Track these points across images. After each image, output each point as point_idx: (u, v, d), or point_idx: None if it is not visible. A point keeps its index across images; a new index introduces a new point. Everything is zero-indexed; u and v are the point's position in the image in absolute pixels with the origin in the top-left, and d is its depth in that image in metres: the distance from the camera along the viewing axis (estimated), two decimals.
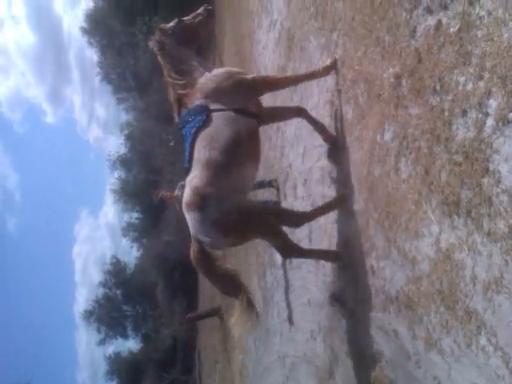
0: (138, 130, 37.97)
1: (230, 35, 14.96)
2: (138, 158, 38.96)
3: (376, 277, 2.85)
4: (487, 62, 1.83)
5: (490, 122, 1.81)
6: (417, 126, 2.35)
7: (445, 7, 2.13)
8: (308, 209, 3.88)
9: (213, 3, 14.89)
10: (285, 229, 3.31)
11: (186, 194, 3.11)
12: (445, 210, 2.09)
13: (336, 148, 3.55)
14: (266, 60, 6.98)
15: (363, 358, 3.06)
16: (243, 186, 3.23)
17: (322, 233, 3.92)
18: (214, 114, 3.17)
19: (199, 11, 3.65)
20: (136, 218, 44.09)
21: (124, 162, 41.63)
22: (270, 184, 6.19)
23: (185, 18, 3.64)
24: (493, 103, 1.80)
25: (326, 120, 3.71)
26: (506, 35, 1.74)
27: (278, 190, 5.98)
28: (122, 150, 41.90)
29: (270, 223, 3.18)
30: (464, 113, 1.96)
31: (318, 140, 3.78)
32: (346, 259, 3.34)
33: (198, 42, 3.71)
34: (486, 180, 1.83)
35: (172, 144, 26.34)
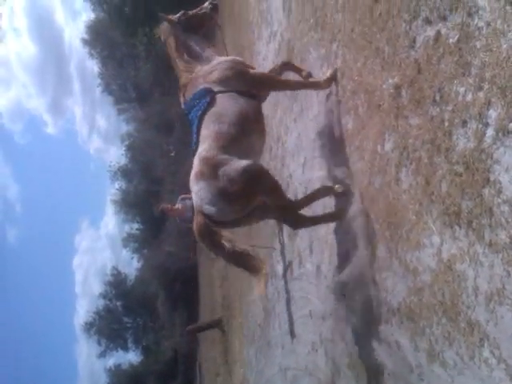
0: (139, 140, 37.98)
1: (230, 46, 15.00)
2: (138, 169, 38.97)
3: (377, 288, 2.83)
4: (487, 72, 1.84)
5: (490, 132, 1.81)
6: (417, 137, 2.35)
7: (444, 18, 2.14)
8: None
9: None
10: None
11: (195, 166, 3.13)
12: (446, 220, 2.08)
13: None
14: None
15: (365, 370, 3.02)
16: (251, 157, 3.22)
17: (323, 243, 3.90)
18: (219, 95, 3.28)
19: (204, 5, 3.82)
20: (137, 229, 44.01)
21: (125, 172, 41.66)
22: None
23: (190, 11, 3.79)
24: (493, 113, 1.80)
25: (326, 131, 3.71)
26: (504, 46, 1.75)
27: None
28: (123, 161, 42.07)
29: (275, 180, 3.20)
30: (464, 123, 1.96)
31: (319, 151, 3.78)
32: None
33: (203, 31, 3.83)
34: (486, 190, 1.83)
35: (173, 154, 26.41)
